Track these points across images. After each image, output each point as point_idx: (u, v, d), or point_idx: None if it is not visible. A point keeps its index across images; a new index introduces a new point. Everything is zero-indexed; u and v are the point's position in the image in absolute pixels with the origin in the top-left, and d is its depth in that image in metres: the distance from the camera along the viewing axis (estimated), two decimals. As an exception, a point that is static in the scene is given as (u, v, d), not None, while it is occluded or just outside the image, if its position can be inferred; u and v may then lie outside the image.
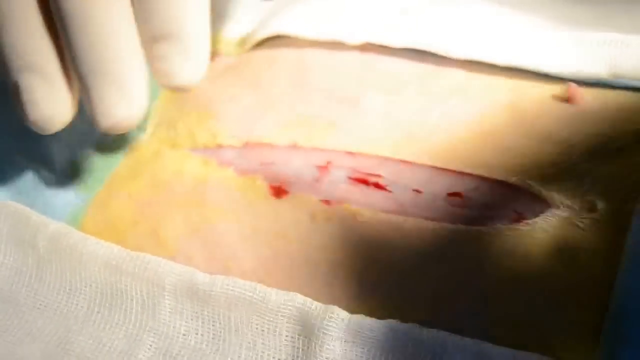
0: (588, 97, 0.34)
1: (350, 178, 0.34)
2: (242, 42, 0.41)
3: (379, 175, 0.34)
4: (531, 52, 0.35)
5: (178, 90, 0.32)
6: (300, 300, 0.30)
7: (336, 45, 0.38)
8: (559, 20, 0.37)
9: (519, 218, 0.32)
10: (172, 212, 0.35)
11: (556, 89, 0.35)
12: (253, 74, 0.39)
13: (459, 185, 0.33)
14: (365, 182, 0.34)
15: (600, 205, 0.31)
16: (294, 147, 0.36)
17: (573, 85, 0.34)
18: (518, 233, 0.31)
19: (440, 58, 0.36)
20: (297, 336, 0.29)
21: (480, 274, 0.31)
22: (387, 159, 0.34)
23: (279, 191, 0.34)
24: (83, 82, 0.30)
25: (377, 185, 0.34)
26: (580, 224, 0.31)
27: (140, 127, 0.38)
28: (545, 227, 0.31)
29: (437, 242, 0.32)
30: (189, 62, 0.31)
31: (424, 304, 0.30)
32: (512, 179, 0.32)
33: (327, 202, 0.33)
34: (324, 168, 0.35)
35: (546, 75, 0.35)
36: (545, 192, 0.32)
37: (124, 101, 0.30)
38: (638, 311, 0.28)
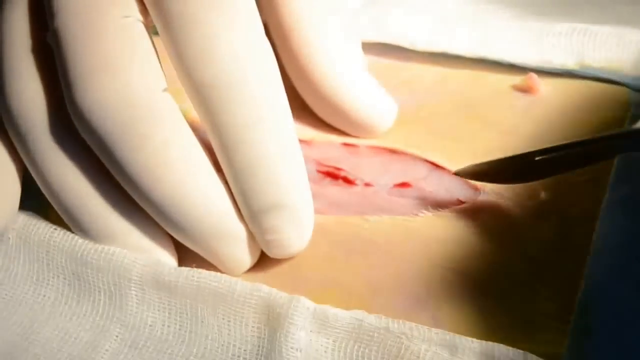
0: (550, 87, 0.34)
1: (319, 171, 0.35)
2: None
3: (341, 169, 0.34)
4: (497, 43, 0.35)
5: (286, 257, 0.31)
6: (265, 290, 0.29)
7: None
8: (527, 11, 0.37)
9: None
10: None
11: (519, 79, 0.35)
12: None
13: (409, 174, 0.33)
14: (334, 175, 0.34)
15: (543, 195, 0.31)
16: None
17: (533, 75, 0.34)
18: (458, 222, 0.32)
19: (404, 51, 0.36)
20: (262, 326, 0.29)
21: (423, 261, 0.31)
22: (344, 150, 0.35)
23: None
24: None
25: (346, 180, 0.34)
26: (521, 216, 0.31)
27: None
28: (482, 216, 0.31)
29: (377, 234, 0.32)
30: (300, 230, 0.30)
31: (367, 295, 0.30)
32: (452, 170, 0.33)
33: None
34: None
35: (512, 66, 0.35)
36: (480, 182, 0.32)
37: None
38: (605, 303, 0.28)
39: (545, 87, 0.34)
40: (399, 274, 0.31)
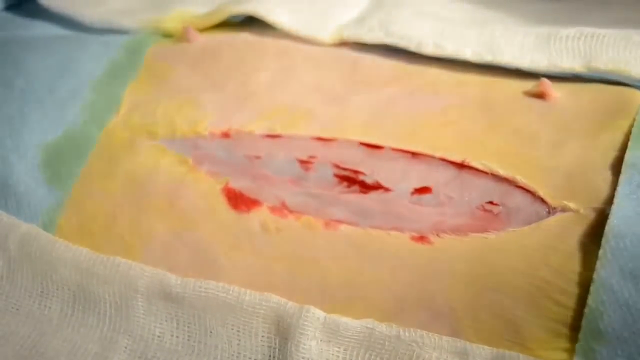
0: (561, 92, 0.34)
1: (336, 176, 0.34)
2: (211, 15, 0.40)
3: (359, 172, 0.34)
4: (505, 48, 0.35)
5: None
6: (275, 300, 0.29)
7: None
8: (534, 17, 0.36)
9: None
10: (145, 216, 0.34)
11: (528, 85, 0.34)
12: (234, 60, 0.38)
13: (430, 179, 0.33)
14: (351, 180, 0.34)
15: (573, 205, 0.31)
16: (275, 136, 0.35)
17: (545, 80, 0.34)
18: (484, 239, 0.31)
19: (413, 54, 0.36)
20: (273, 336, 0.29)
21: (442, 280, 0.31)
22: (364, 151, 0.34)
23: (237, 203, 0.34)
24: None
25: (363, 185, 0.34)
26: (551, 224, 0.31)
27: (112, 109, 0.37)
28: (514, 229, 0.31)
29: (397, 250, 0.32)
30: None
31: (388, 311, 0.30)
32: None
33: (281, 212, 0.33)
34: (307, 163, 0.34)
35: (520, 71, 0.35)
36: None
37: None
38: (615, 308, 0.28)
39: (556, 91, 0.34)
40: (423, 289, 0.30)
